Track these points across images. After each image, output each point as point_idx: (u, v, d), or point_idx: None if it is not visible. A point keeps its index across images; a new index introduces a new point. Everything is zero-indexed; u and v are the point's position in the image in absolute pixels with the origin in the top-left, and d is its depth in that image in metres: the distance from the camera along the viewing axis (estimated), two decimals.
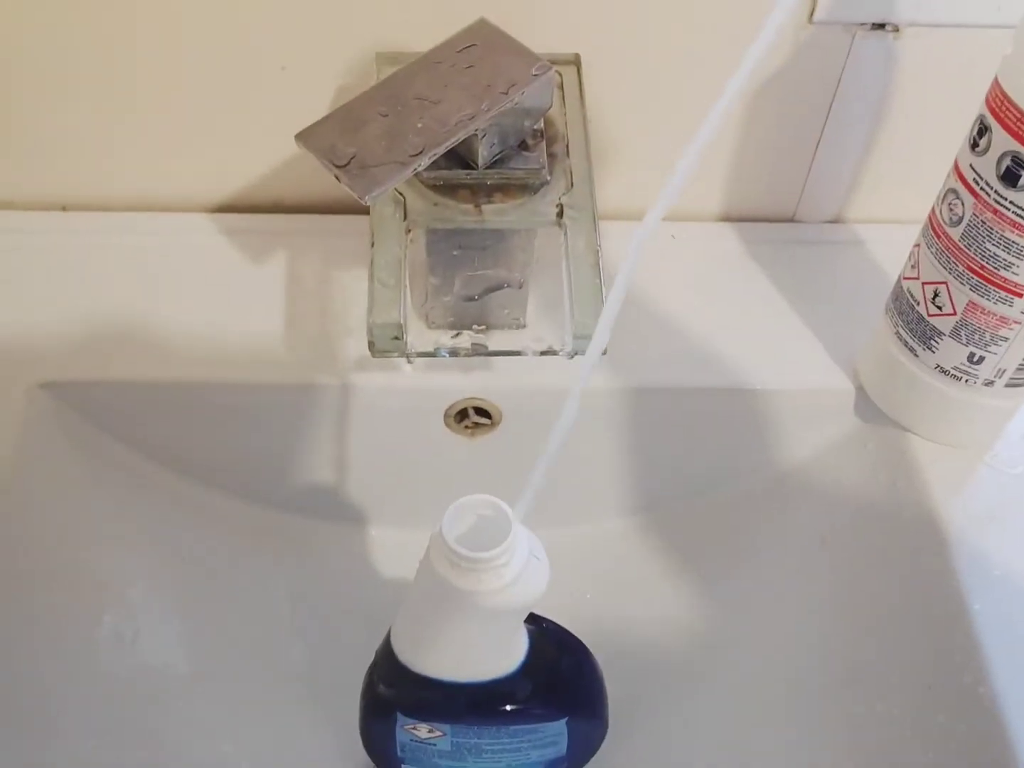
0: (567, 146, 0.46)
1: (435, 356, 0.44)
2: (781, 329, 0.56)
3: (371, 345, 0.42)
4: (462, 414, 0.55)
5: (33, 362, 0.52)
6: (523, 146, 0.44)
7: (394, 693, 0.40)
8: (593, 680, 0.44)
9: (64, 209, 0.60)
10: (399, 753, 0.43)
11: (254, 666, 0.53)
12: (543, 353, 0.43)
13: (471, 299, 0.45)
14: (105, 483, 0.53)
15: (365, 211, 0.59)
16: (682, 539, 0.56)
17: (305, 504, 0.58)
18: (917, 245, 0.48)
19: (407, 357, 0.42)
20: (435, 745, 0.42)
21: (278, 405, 0.54)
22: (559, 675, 0.41)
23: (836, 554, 0.53)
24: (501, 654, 0.38)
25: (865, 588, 0.51)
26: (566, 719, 0.42)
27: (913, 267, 0.48)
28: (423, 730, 0.41)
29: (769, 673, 0.52)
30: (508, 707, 0.40)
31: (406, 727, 0.41)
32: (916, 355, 0.49)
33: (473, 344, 0.43)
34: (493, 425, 0.55)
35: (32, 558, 0.49)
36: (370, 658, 0.42)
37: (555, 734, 0.42)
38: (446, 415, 0.55)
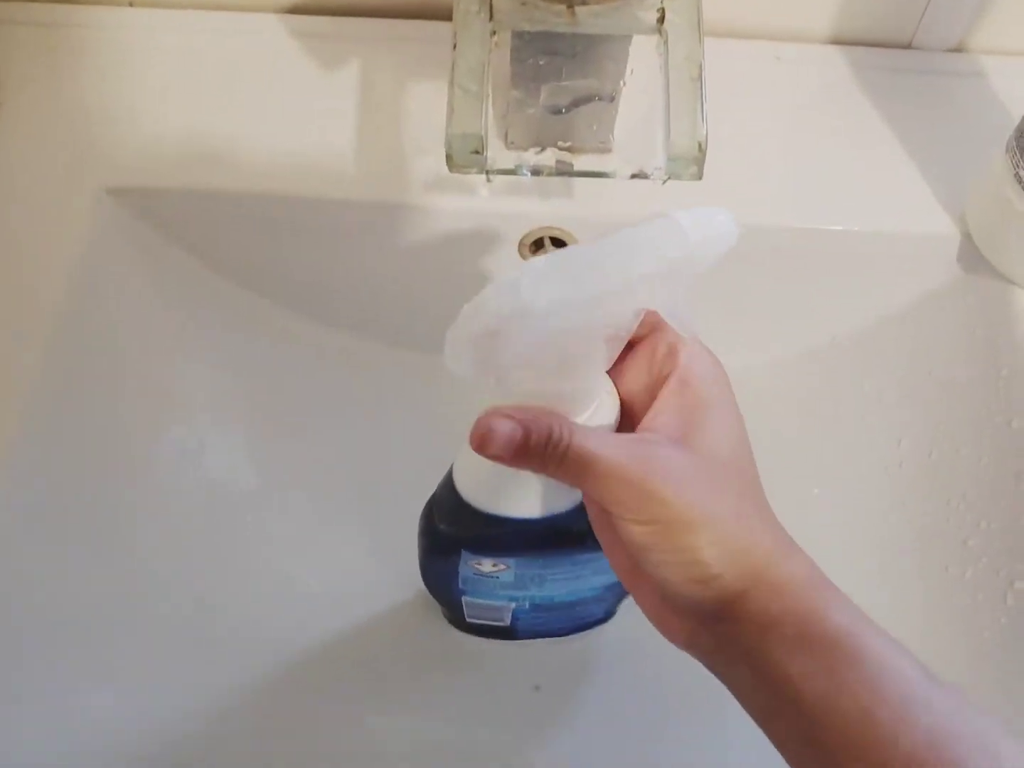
0: None
1: (516, 174, 0.41)
2: (888, 167, 0.52)
3: (449, 159, 0.39)
4: (538, 244, 0.52)
5: (100, 166, 0.51)
6: None
7: (458, 531, 0.39)
8: None
9: (131, 4, 0.57)
10: (460, 586, 0.43)
11: (316, 484, 0.53)
12: (634, 176, 0.40)
13: (557, 112, 0.42)
14: (171, 293, 0.53)
15: (445, 15, 0.55)
16: (770, 384, 0.53)
17: (370, 326, 0.56)
18: None
19: (486, 174, 0.39)
20: (498, 578, 0.42)
21: (347, 223, 0.52)
22: None
23: (922, 410, 0.51)
24: (567, 488, 0.37)
25: (951, 448, 0.49)
26: None
27: None
28: (487, 564, 0.40)
29: (838, 534, 0.50)
30: (573, 538, 0.39)
31: (470, 563, 0.40)
32: None
33: (558, 162, 0.40)
34: None
35: (98, 363, 0.49)
36: (431, 485, 0.42)
37: None
38: (521, 244, 0.52)
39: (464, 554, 0.40)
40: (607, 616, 0.51)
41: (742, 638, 0.30)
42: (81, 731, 0.43)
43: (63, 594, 0.44)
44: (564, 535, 0.38)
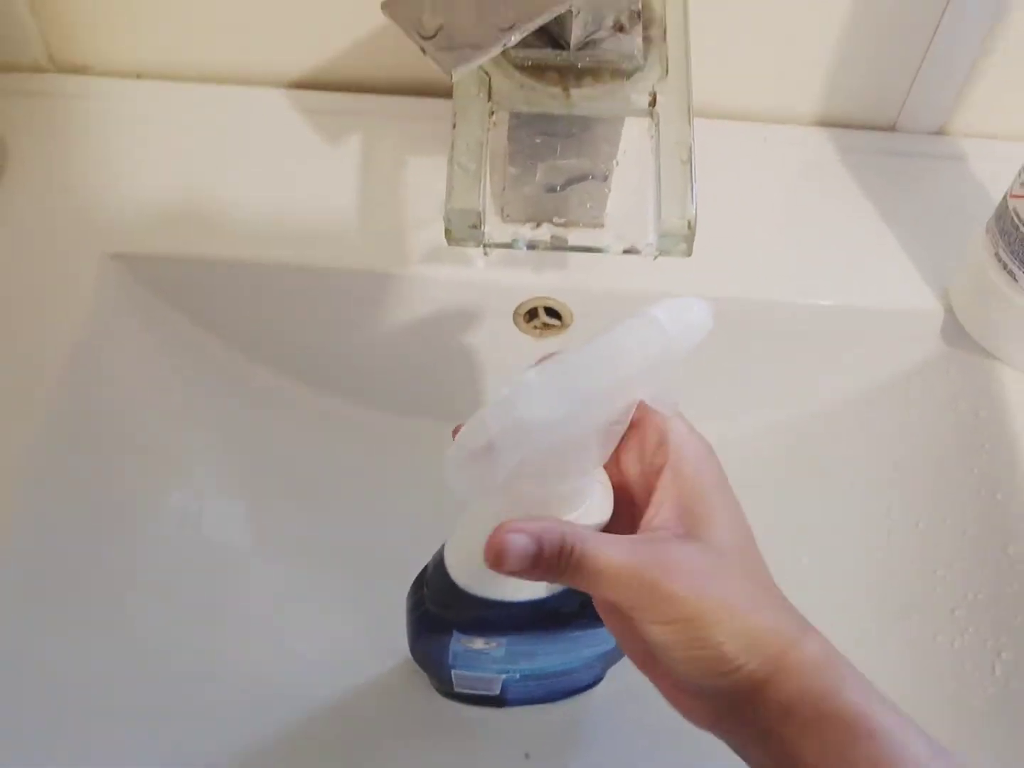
0: (664, 31, 0.43)
1: (512, 248, 0.42)
2: (871, 244, 0.54)
3: (448, 233, 0.41)
4: (532, 313, 0.54)
5: (104, 232, 0.52)
6: (618, 28, 0.41)
7: (450, 613, 0.39)
8: None
9: (138, 77, 0.58)
10: (450, 662, 0.43)
11: (311, 551, 0.53)
12: (626, 252, 0.41)
13: (552, 190, 0.43)
14: (172, 357, 0.53)
15: (445, 94, 0.57)
16: (753, 454, 0.54)
17: (367, 393, 0.57)
18: None
19: (483, 247, 0.40)
20: (489, 654, 0.42)
21: (347, 291, 0.53)
22: None
23: (909, 481, 0.51)
24: None
25: (938, 518, 0.50)
26: None
27: (1023, 185, 0.45)
28: (479, 643, 0.41)
29: (827, 602, 0.51)
30: (565, 618, 0.39)
31: (462, 641, 0.41)
32: (1015, 279, 0.46)
33: (552, 237, 0.41)
34: (563, 327, 0.54)
35: (99, 427, 0.50)
36: (423, 553, 0.42)
37: (607, 633, 0.42)
38: (516, 313, 0.54)
39: (456, 634, 0.40)
40: (596, 681, 0.51)
41: (760, 722, 0.31)
42: None
43: (60, 659, 0.44)
44: (556, 616, 0.39)
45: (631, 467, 0.35)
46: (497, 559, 0.31)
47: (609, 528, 0.35)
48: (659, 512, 0.33)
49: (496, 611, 0.37)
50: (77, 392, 0.48)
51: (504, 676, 0.45)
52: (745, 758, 0.32)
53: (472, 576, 0.37)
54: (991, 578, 0.46)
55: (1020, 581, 0.45)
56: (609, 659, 0.47)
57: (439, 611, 0.40)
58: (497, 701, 0.49)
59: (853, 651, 0.47)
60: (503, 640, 0.41)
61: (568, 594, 0.37)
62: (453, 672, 0.45)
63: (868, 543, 0.51)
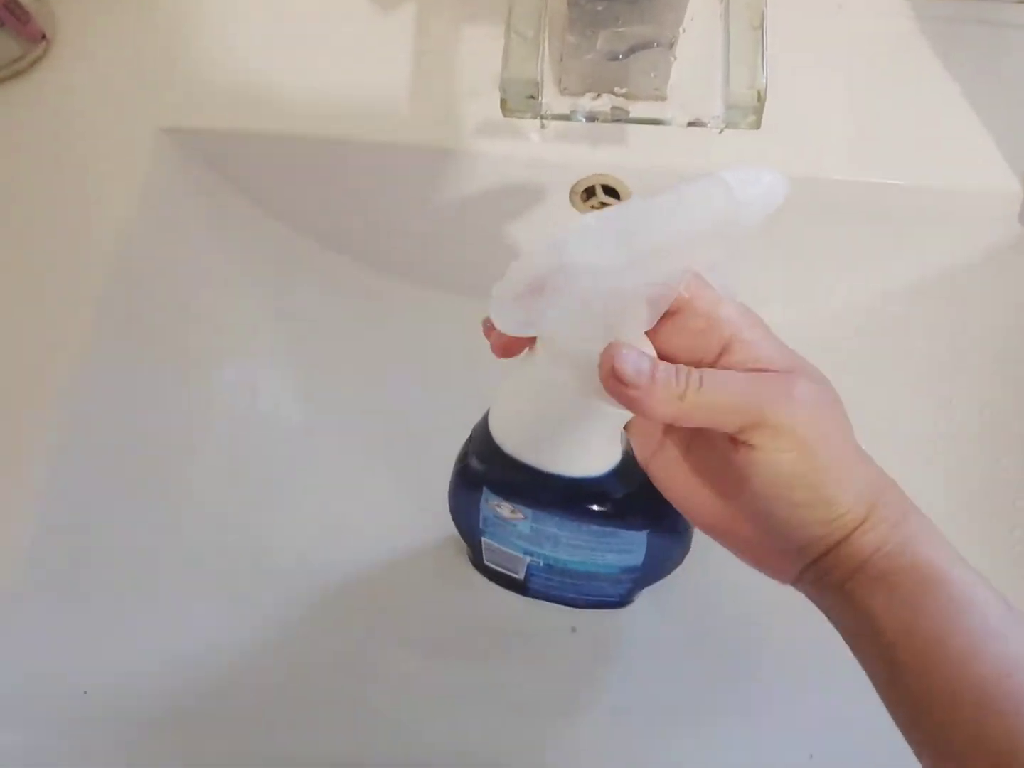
0: None
1: (571, 120, 0.40)
2: (951, 122, 0.51)
3: (503, 103, 0.39)
4: (589, 191, 0.52)
5: (158, 107, 0.51)
6: None
7: (484, 469, 0.39)
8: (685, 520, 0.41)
9: None
10: (481, 525, 0.44)
11: (361, 424, 0.54)
12: (690, 124, 0.39)
13: (615, 58, 0.41)
14: (224, 231, 0.53)
15: None
16: (823, 337, 0.53)
17: (419, 271, 0.57)
18: None
19: (540, 119, 0.39)
20: (515, 526, 0.42)
21: (400, 167, 0.52)
22: (648, 489, 0.38)
23: (978, 368, 0.50)
24: (595, 453, 0.37)
25: (1001, 411, 0.48)
26: (647, 531, 0.41)
27: None
28: (506, 509, 0.41)
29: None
30: (591, 507, 0.39)
31: (490, 503, 0.41)
32: None
33: (613, 108, 0.40)
34: None
35: (154, 298, 0.50)
36: (470, 426, 0.43)
37: (634, 544, 0.42)
38: (572, 191, 0.52)
39: (486, 492, 0.40)
40: (622, 602, 0.50)
41: (836, 572, 0.31)
42: (133, 652, 0.45)
43: (122, 526, 0.46)
44: (584, 500, 0.39)
45: (674, 350, 0.33)
46: (610, 369, 0.30)
47: None
48: (760, 356, 0.32)
49: (525, 476, 0.37)
50: (133, 260, 0.49)
51: (529, 559, 0.45)
52: (825, 610, 0.32)
53: (510, 435, 0.37)
54: None
55: None
56: (635, 579, 0.46)
57: (476, 466, 0.40)
58: (521, 587, 0.50)
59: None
60: (528, 512, 0.41)
61: (600, 482, 0.37)
62: (483, 540, 0.45)
63: (931, 430, 0.50)
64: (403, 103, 0.51)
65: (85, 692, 0.42)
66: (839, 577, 0.31)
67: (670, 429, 0.35)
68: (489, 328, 0.34)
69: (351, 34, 0.53)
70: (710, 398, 0.30)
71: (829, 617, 0.32)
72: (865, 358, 0.53)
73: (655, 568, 0.45)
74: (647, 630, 0.51)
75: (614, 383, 0.30)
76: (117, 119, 0.51)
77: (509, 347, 0.34)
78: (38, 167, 0.50)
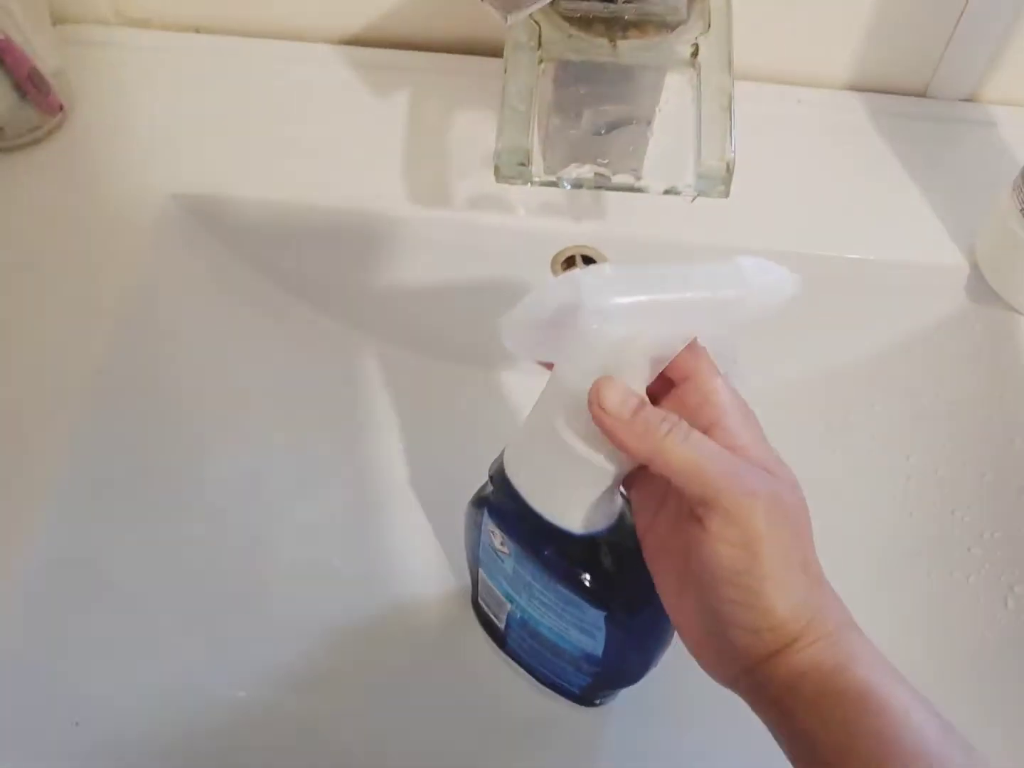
0: None
1: (558, 186, 0.44)
2: (900, 203, 0.55)
3: (497, 170, 0.43)
4: (569, 262, 0.56)
5: (164, 176, 0.54)
6: None
7: (491, 492, 0.40)
8: (653, 621, 0.39)
9: (197, 31, 0.61)
10: (480, 554, 0.45)
11: (356, 480, 0.56)
12: (666, 192, 0.43)
13: (598, 132, 0.45)
14: (227, 296, 0.56)
15: (491, 53, 0.59)
16: (784, 402, 0.56)
17: (409, 337, 0.59)
18: None
19: (530, 184, 0.43)
20: (502, 562, 0.43)
21: (392, 236, 0.55)
22: (623, 576, 0.38)
23: (930, 430, 0.53)
24: (577, 507, 0.37)
25: (957, 464, 0.52)
26: (604, 615, 0.40)
27: None
28: (497, 539, 0.42)
29: (850, 542, 0.52)
30: (559, 559, 0.39)
31: (487, 527, 0.42)
32: None
33: (596, 175, 0.44)
34: None
35: (158, 365, 0.53)
36: (462, 493, 0.44)
37: (592, 624, 0.41)
38: (554, 261, 0.56)
39: (486, 515, 0.41)
40: (583, 698, 0.49)
41: (771, 687, 0.31)
42: (124, 686, 0.45)
43: (118, 564, 0.47)
44: (557, 549, 0.39)
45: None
46: (598, 397, 0.31)
47: None
48: (745, 447, 0.33)
49: (514, 505, 0.38)
50: (137, 325, 0.51)
51: (509, 607, 0.46)
52: (762, 720, 0.32)
53: (514, 463, 0.38)
54: (1007, 518, 0.48)
55: None
56: (595, 676, 0.46)
57: (488, 487, 0.40)
58: (501, 639, 0.50)
59: (872, 588, 0.50)
60: (512, 548, 0.41)
61: (578, 541, 0.37)
62: (480, 572, 0.46)
63: (889, 487, 0.53)
64: (396, 177, 0.55)
65: (76, 723, 0.43)
66: (775, 693, 0.31)
67: (666, 498, 0.35)
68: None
69: (350, 115, 0.57)
70: (688, 453, 0.31)
71: (767, 726, 0.32)
72: (828, 419, 0.56)
73: (614, 669, 0.45)
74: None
75: (597, 409, 0.31)
76: (128, 184, 0.54)
77: None
78: (50, 230, 0.53)
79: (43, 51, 0.53)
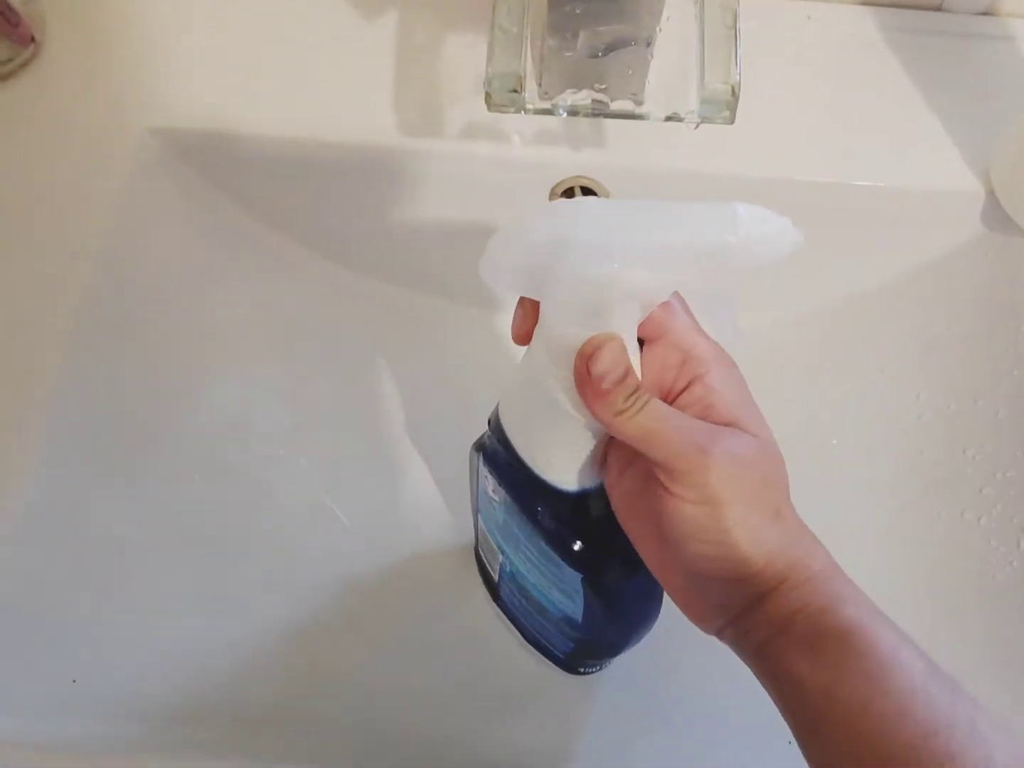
0: None
1: (553, 113, 0.42)
2: (914, 126, 0.53)
3: (488, 97, 0.41)
4: (568, 192, 0.54)
5: (144, 107, 0.52)
6: None
7: (487, 437, 0.40)
8: (636, 595, 0.39)
9: None
10: (478, 500, 0.44)
11: (353, 424, 0.55)
12: (668, 118, 0.41)
13: (594, 55, 0.43)
14: (208, 231, 0.54)
15: None
16: (790, 337, 0.55)
17: (399, 271, 0.57)
18: None
19: (524, 112, 0.40)
20: (495, 509, 0.42)
21: (380, 167, 0.53)
22: (603, 540, 0.37)
23: (944, 363, 0.52)
24: (561, 461, 0.36)
25: (969, 400, 0.50)
26: (581, 576, 0.39)
27: None
28: (491, 484, 0.41)
29: (859, 480, 0.51)
30: (541, 513, 0.38)
31: (482, 472, 0.41)
32: None
33: (594, 101, 0.41)
34: None
35: (138, 297, 0.51)
36: (460, 436, 0.42)
37: (571, 587, 0.40)
38: (552, 193, 0.53)
39: (482, 459, 0.40)
40: (568, 665, 0.49)
41: (759, 632, 0.31)
42: (121, 643, 0.45)
43: (109, 518, 0.46)
44: (540, 502, 0.38)
45: (649, 376, 0.34)
46: (589, 357, 0.31)
47: None
48: (710, 407, 0.32)
49: (506, 454, 0.37)
50: (116, 263, 0.49)
51: (501, 558, 0.45)
52: (749, 667, 0.32)
53: (507, 412, 0.37)
54: (1020, 458, 0.47)
55: None
56: (576, 643, 0.45)
57: (486, 433, 0.40)
58: (495, 591, 0.50)
59: (882, 530, 0.49)
60: (502, 495, 0.40)
61: (562, 496, 0.36)
62: (479, 519, 0.45)
63: (899, 425, 0.52)
64: (386, 107, 0.52)
65: (74, 681, 0.42)
66: (761, 637, 0.31)
67: (635, 457, 0.34)
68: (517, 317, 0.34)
69: (336, 41, 0.54)
70: (645, 424, 0.31)
71: (754, 672, 0.32)
72: (837, 354, 0.55)
73: (594, 636, 0.44)
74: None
75: (581, 370, 0.31)
76: (104, 120, 0.52)
77: (528, 335, 0.34)
78: (26, 167, 0.51)
79: None
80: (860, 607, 0.30)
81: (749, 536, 0.31)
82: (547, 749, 0.47)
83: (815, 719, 0.30)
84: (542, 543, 0.39)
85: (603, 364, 0.31)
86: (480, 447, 0.41)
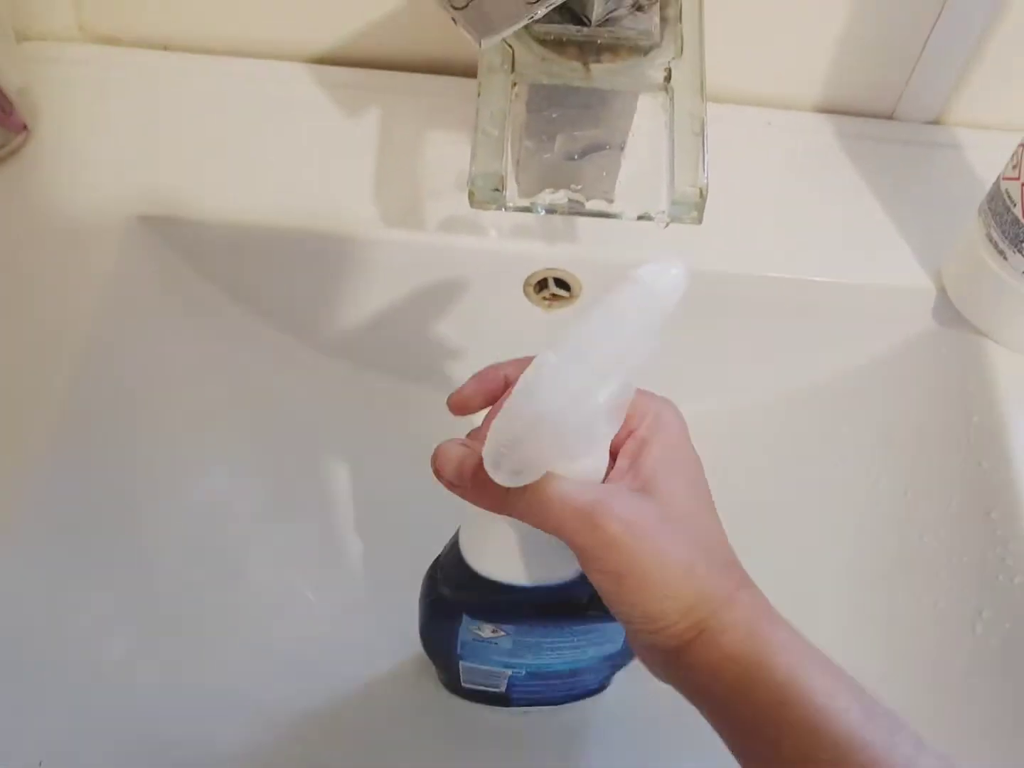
0: (680, 12, 0.45)
1: (532, 211, 0.44)
2: (867, 226, 0.56)
3: (471, 195, 0.43)
4: (542, 284, 0.56)
5: (130, 196, 0.53)
6: (636, 7, 0.44)
7: (462, 596, 0.39)
8: None
9: (166, 49, 0.60)
10: (459, 651, 0.44)
11: (323, 525, 0.55)
12: (640, 217, 0.43)
13: (570, 157, 0.45)
14: (192, 319, 0.55)
15: (462, 73, 0.59)
16: (745, 427, 0.56)
17: (379, 359, 0.59)
18: (1022, 145, 0.47)
19: (504, 209, 0.42)
20: (496, 644, 0.42)
21: (361, 258, 0.55)
22: None
23: (898, 453, 0.54)
24: (568, 558, 0.35)
25: (924, 488, 0.52)
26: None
27: (1015, 167, 0.47)
28: (487, 630, 0.41)
29: (818, 565, 0.53)
30: (572, 610, 0.39)
31: (471, 628, 0.41)
32: (1005, 258, 0.49)
33: (570, 200, 0.43)
34: (572, 298, 0.56)
35: (122, 386, 0.51)
36: (433, 528, 0.42)
37: (614, 632, 0.42)
38: (526, 284, 0.56)
39: (465, 619, 0.40)
40: (601, 687, 0.50)
41: (695, 679, 0.32)
42: (87, 725, 0.44)
43: (79, 602, 0.46)
44: (564, 605, 0.39)
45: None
46: (436, 467, 0.33)
47: None
48: (618, 469, 0.34)
49: (504, 595, 0.37)
50: (102, 348, 0.50)
51: (510, 672, 0.46)
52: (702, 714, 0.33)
53: (485, 558, 0.37)
54: (975, 542, 0.48)
55: (1002, 544, 0.47)
56: (615, 664, 0.47)
57: (452, 594, 0.40)
58: (502, 700, 0.49)
59: (839, 612, 0.50)
60: (511, 629, 0.41)
61: (577, 583, 0.37)
62: (461, 664, 0.45)
63: (857, 511, 0.53)
64: (367, 198, 0.55)
65: (40, 763, 0.42)
66: (700, 683, 0.32)
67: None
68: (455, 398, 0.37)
69: (320, 135, 0.57)
70: (531, 504, 0.32)
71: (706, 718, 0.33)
72: (796, 443, 0.57)
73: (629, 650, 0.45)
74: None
75: (443, 481, 0.34)
76: (92, 206, 0.53)
77: (466, 404, 0.37)
78: (13, 251, 0.52)
79: (6, 69, 0.52)
80: (793, 654, 0.31)
81: (657, 596, 0.31)
82: None
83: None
84: (577, 627, 0.40)
85: (447, 466, 0.33)
86: (449, 613, 0.41)
